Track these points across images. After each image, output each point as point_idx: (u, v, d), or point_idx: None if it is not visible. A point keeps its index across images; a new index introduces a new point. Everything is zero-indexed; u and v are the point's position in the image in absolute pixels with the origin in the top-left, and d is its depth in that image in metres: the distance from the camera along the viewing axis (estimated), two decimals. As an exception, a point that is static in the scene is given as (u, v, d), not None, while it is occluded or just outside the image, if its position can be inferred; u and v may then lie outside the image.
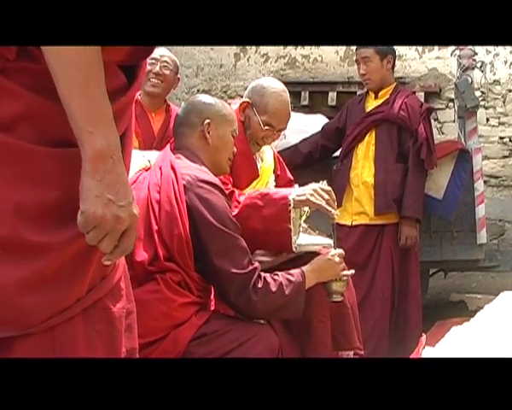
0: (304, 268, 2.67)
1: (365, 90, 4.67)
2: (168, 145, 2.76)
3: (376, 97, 4.52)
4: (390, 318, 4.27)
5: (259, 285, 2.51)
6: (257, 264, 2.56)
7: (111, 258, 1.37)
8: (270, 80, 3.29)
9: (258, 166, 3.23)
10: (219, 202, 2.52)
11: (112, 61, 1.36)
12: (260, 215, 2.77)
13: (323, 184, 2.85)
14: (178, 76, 4.39)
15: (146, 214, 2.48)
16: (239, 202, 2.83)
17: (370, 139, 4.43)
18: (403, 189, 4.33)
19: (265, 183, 3.27)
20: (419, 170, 4.37)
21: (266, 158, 3.34)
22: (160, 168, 2.59)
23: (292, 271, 2.64)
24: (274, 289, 2.53)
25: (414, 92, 5.82)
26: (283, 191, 2.86)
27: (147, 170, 2.70)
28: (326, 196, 2.79)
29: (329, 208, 2.78)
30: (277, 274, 2.60)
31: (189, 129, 2.69)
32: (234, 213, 2.77)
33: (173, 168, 2.55)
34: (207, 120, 2.67)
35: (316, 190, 2.79)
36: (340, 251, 2.77)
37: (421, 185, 4.41)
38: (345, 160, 4.49)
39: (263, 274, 2.55)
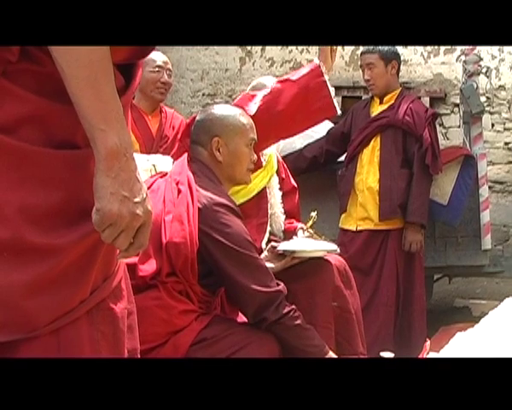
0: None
1: (370, 95, 4.67)
2: (185, 156, 2.74)
3: (381, 102, 4.52)
4: (394, 323, 4.26)
5: (284, 310, 2.49)
6: (282, 286, 2.54)
7: (126, 255, 1.37)
8: (269, 78, 3.41)
9: (262, 159, 3.23)
10: (235, 225, 2.50)
11: (113, 62, 1.36)
12: (293, 83, 2.90)
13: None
14: None
15: (157, 231, 2.46)
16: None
17: (375, 144, 4.42)
18: (408, 194, 4.32)
19: (268, 174, 3.26)
20: (424, 175, 4.36)
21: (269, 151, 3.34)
22: (177, 184, 2.58)
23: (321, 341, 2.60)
24: (298, 322, 2.52)
25: (419, 97, 5.82)
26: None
27: (162, 177, 2.70)
28: None
29: None
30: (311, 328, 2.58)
31: (200, 147, 2.69)
32: (265, 95, 2.90)
33: (190, 188, 2.54)
34: (215, 138, 2.64)
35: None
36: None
37: (427, 191, 4.41)
38: (350, 165, 4.49)
39: (293, 310, 2.52)
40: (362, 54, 4.53)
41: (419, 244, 4.31)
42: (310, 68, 2.91)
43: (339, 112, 2.93)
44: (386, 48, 4.38)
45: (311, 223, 3.11)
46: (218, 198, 2.53)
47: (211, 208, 2.49)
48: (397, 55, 4.47)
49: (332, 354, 2.60)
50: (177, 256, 2.46)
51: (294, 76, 2.93)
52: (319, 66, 2.85)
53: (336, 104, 2.89)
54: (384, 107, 4.50)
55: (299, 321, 2.52)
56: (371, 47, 4.40)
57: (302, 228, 3.21)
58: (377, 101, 4.55)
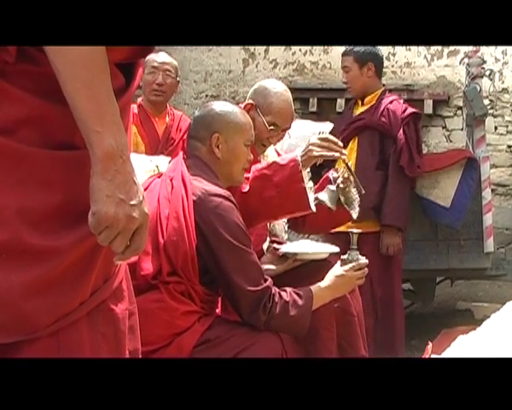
0: (318, 286, 2.65)
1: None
2: (180, 154, 2.74)
3: (363, 104, 4.46)
4: (374, 330, 4.12)
5: (269, 304, 2.51)
6: (269, 281, 2.55)
7: (123, 258, 1.36)
8: (272, 81, 3.31)
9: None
10: (232, 215, 2.51)
11: (112, 61, 1.36)
12: (272, 183, 2.79)
13: (320, 133, 2.89)
14: (178, 79, 4.44)
15: (154, 229, 2.47)
16: (247, 178, 2.83)
17: (353, 146, 4.37)
18: (382, 197, 4.25)
19: None
20: (399, 177, 4.27)
21: (271, 159, 3.33)
22: (171, 180, 2.58)
23: (302, 290, 2.62)
24: (277, 310, 2.51)
25: (422, 100, 5.75)
26: (288, 156, 2.89)
27: (159, 176, 2.71)
28: (325, 144, 2.82)
29: (331, 153, 2.81)
30: (285, 290, 2.58)
31: (199, 142, 2.68)
32: (245, 190, 2.79)
33: (184, 182, 2.54)
34: (216, 134, 2.64)
35: (313, 144, 2.82)
36: (356, 264, 2.72)
37: (403, 193, 4.31)
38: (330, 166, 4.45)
39: (272, 291, 2.53)
40: (341, 55, 4.47)
41: (396, 248, 4.24)
42: (290, 170, 2.77)
43: (314, 210, 2.85)
44: (361, 50, 4.29)
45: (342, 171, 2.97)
46: (212, 189, 2.54)
47: (206, 199, 2.50)
48: (373, 56, 4.37)
49: (319, 284, 2.64)
50: (176, 254, 2.46)
51: (274, 175, 2.80)
52: (300, 170, 2.75)
53: (313, 206, 2.80)
54: (365, 108, 4.44)
55: (281, 302, 2.53)
56: (348, 49, 4.34)
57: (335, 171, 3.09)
58: (359, 102, 4.49)
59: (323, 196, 2.88)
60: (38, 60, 1.30)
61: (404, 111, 4.39)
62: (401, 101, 4.53)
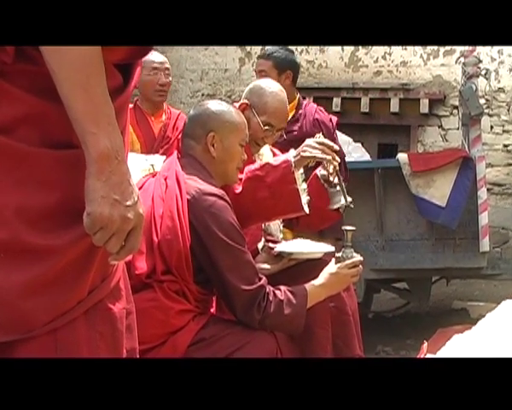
0: (312, 284, 2.64)
1: None
2: (175, 153, 2.75)
3: None
4: None
5: (264, 303, 2.51)
6: (264, 280, 2.55)
7: (117, 258, 1.37)
8: (268, 81, 3.29)
9: (258, 161, 3.21)
10: (226, 214, 2.51)
11: (111, 61, 1.36)
12: (264, 184, 2.79)
13: (317, 137, 2.90)
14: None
15: (148, 228, 2.47)
16: (240, 179, 2.83)
17: None
18: None
19: None
20: None
21: (265, 158, 3.33)
22: (166, 179, 2.59)
23: (296, 288, 2.62)
24: (272, 309, 2.51)
25: (418, 99, 5.64)
26: (281, 157, 2.90)
27: (153, 175, 2.71)
28: (319, 146, 2.82)
29: (324, 155, 2.81)
30: (280, 289, 2.58)
31: (194, 141, 2.68)
32: (238, 191, 2.80)
33: (178, 181, 2.54)
34: (211, 133, 2.64)
35: (308, 145, 2.83)
36: (350, 261, 2.70)
37: None
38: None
39: (267, 289, 2.54)
40: (257, 58, 4.32)
41: None
42: (282, 171, 2.77)
43: (307, 211, 2.82)
44: (282, 56, 4.14)
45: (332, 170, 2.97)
46: (207, 188, 2.54)
47: (200, 198, 2.50)
48: (293, 64, 4.21)
49: (314, 282, 2.63)
50: (170, 253, 2.47)
51: (267, 176, 2.79)
52: (292, 171, 2.75)
53: (306, 208, 2.79)
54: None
55: (275, 301, 2.53)
56: (267, 53, 4.16)
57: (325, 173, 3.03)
58: None
59: (338, 203, 2.90)
60: (36, 59, 1.30)
61: (331, 120, 4.24)
62: (321, 108, 4.36)
